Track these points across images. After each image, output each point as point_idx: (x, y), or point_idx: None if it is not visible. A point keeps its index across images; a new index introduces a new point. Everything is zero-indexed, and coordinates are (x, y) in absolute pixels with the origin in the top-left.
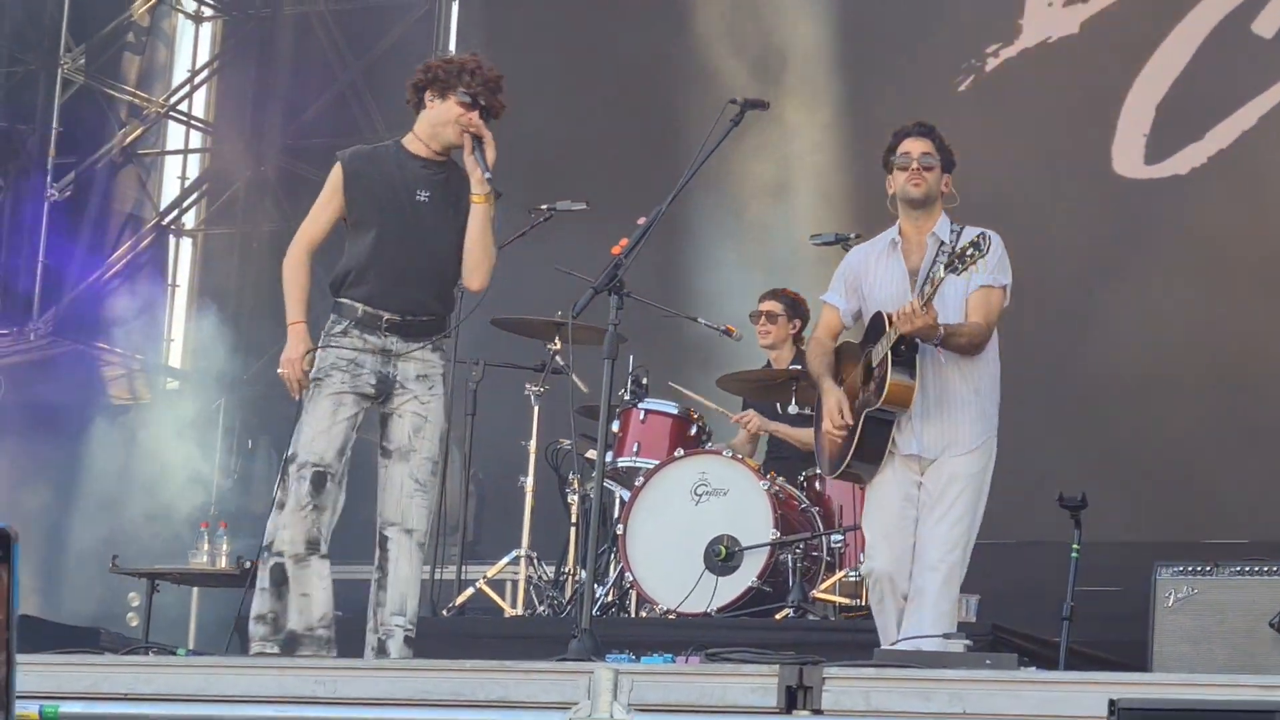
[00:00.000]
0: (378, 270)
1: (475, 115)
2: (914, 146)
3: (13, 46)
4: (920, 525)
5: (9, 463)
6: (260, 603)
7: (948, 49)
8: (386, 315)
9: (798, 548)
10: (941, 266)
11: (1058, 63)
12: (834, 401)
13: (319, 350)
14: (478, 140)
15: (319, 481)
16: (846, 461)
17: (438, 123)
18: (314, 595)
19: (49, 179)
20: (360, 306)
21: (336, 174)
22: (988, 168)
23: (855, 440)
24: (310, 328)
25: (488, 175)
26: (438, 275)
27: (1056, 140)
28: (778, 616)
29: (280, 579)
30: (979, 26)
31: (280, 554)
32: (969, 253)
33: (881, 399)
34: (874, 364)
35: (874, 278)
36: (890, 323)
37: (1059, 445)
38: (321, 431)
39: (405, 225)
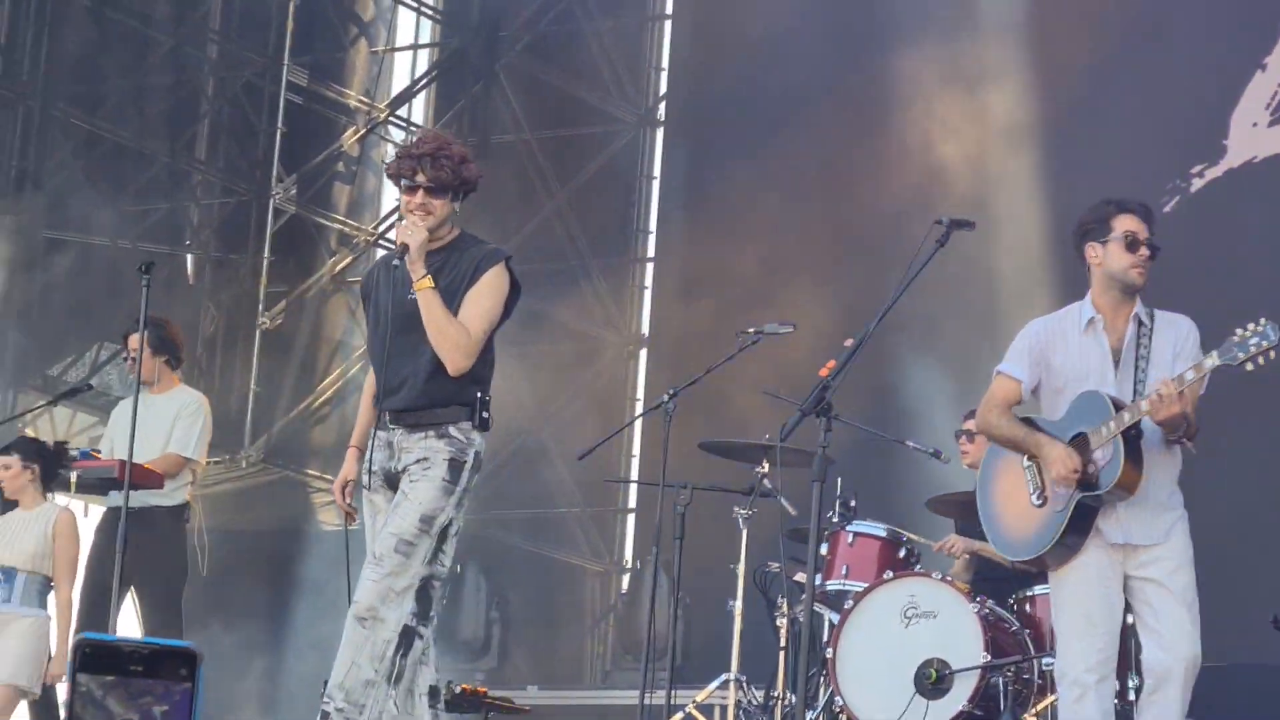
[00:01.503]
0: (378, 371)
1: (415, 198)
2: (1139, 228)
3: (226, 178)
4: (1156, 615)
5: (222, 589)
6: None
7: (1152, 171)
8: (389, 412)
9: (1009, 671)
10: (1216, 353)
11: (1264, 182)
12: (1061, 451)
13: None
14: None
15: None
16: (1049, 547)
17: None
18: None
19: (260, 307)
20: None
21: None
22: (1194, 290)
23: (1064, 524)
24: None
25: (395, 263)
26: (429, 365)
27: (1264, 262)
28: None
29: None
30: (1183, 146)
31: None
32: (1252, 342)
33: (1114, 482)
34: (1093, 446)
35: (1067, 354)
36: (1118, 406)
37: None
38: (369, 539)
39: (396, 324)
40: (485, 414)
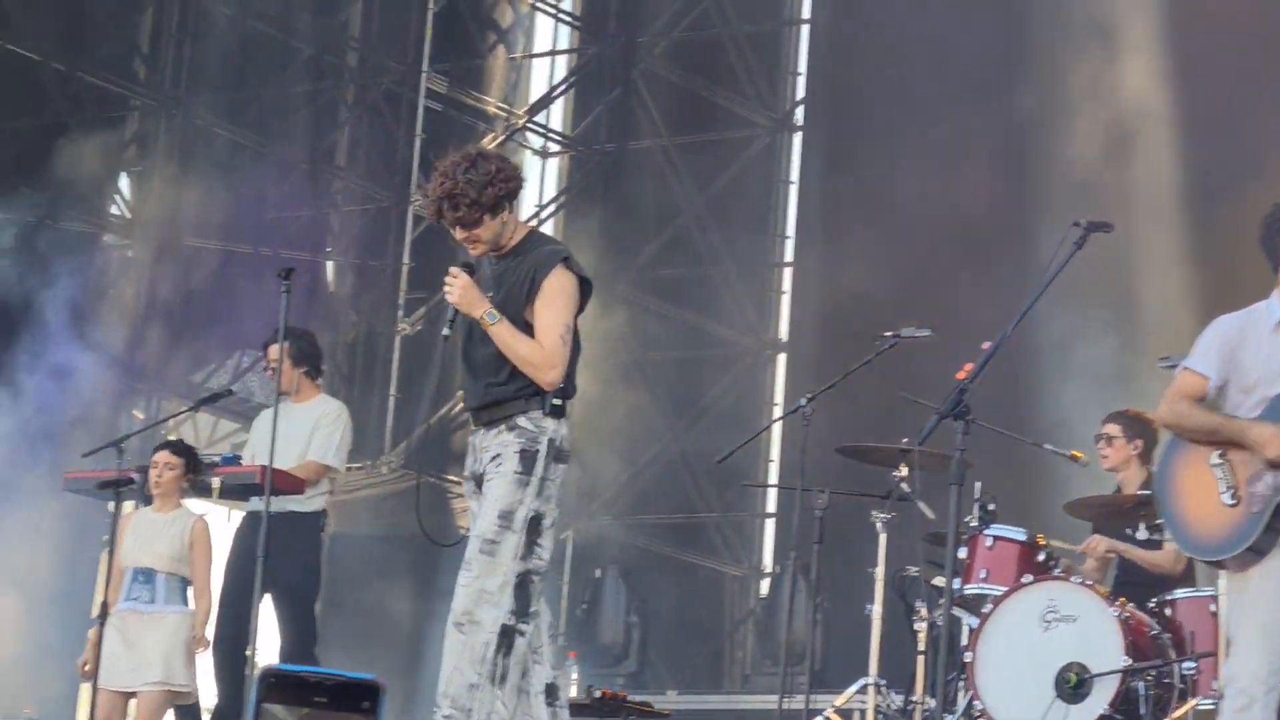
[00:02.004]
0: (462, 379)
1: (457, 234)
2: None
3: (366, 185)
4: None
5: (365, 594)
6: None
7: None
8: (471, 410)
9: (1149, 675)
10: None
11: None
12: (1273, 431)
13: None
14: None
15: None
16: (1247, 545)
17: None
18: None
19: (400, 314)
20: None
21: None
22: None
23: (1265, 523)
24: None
25: (445, 332)
26: (494, 362)
27: None
28: None
29: None
30: None
31: None
32: None
33: None
34: None
35: (1257, 352)
36: None
37: None
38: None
39: (470, 325)
40: (556, 401)
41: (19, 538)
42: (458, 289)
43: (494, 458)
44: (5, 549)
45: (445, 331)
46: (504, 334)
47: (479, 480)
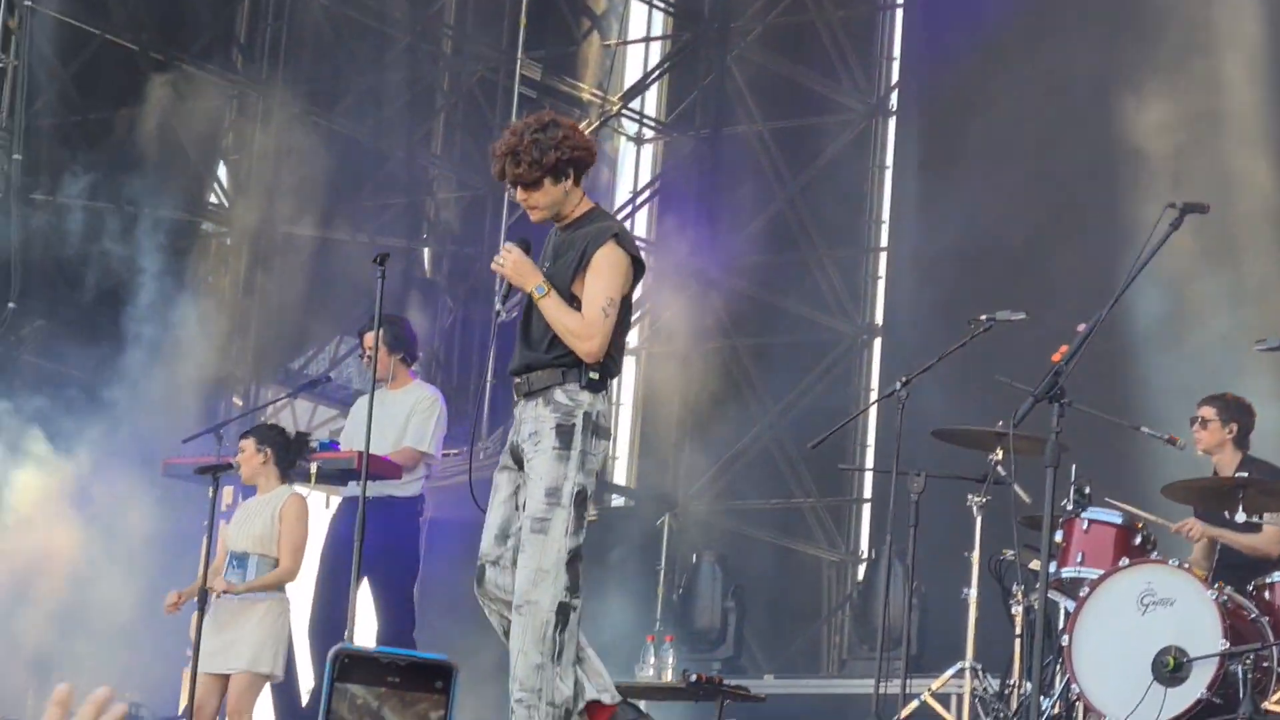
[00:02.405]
0: (516, 346)
1: (518, 194)
2: None
3: (462, 171)
4: None
5: (458, 580)
6: None
7: None
8: (514, 380)
9: (1248, 658)
10: None
11: None
12: None
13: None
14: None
15: (479, 575)
16: None
17: None
18: None
19: (497, 300)
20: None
21: None
22: None
23: None
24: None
25: (499, 297)
26: (543, 334)
27: None
28: None
29: None
30: None
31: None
32: None
33: None
34: None
35: None
36: None
37: None
38: (486, 524)
39: (528, 299)
40: (593, 375)
41: (122, 524)
42: (510, 263)
43: (532, 434)
44: (109, 535)
45: (497, 306)
46: (550, 306)
47: (515, 453)
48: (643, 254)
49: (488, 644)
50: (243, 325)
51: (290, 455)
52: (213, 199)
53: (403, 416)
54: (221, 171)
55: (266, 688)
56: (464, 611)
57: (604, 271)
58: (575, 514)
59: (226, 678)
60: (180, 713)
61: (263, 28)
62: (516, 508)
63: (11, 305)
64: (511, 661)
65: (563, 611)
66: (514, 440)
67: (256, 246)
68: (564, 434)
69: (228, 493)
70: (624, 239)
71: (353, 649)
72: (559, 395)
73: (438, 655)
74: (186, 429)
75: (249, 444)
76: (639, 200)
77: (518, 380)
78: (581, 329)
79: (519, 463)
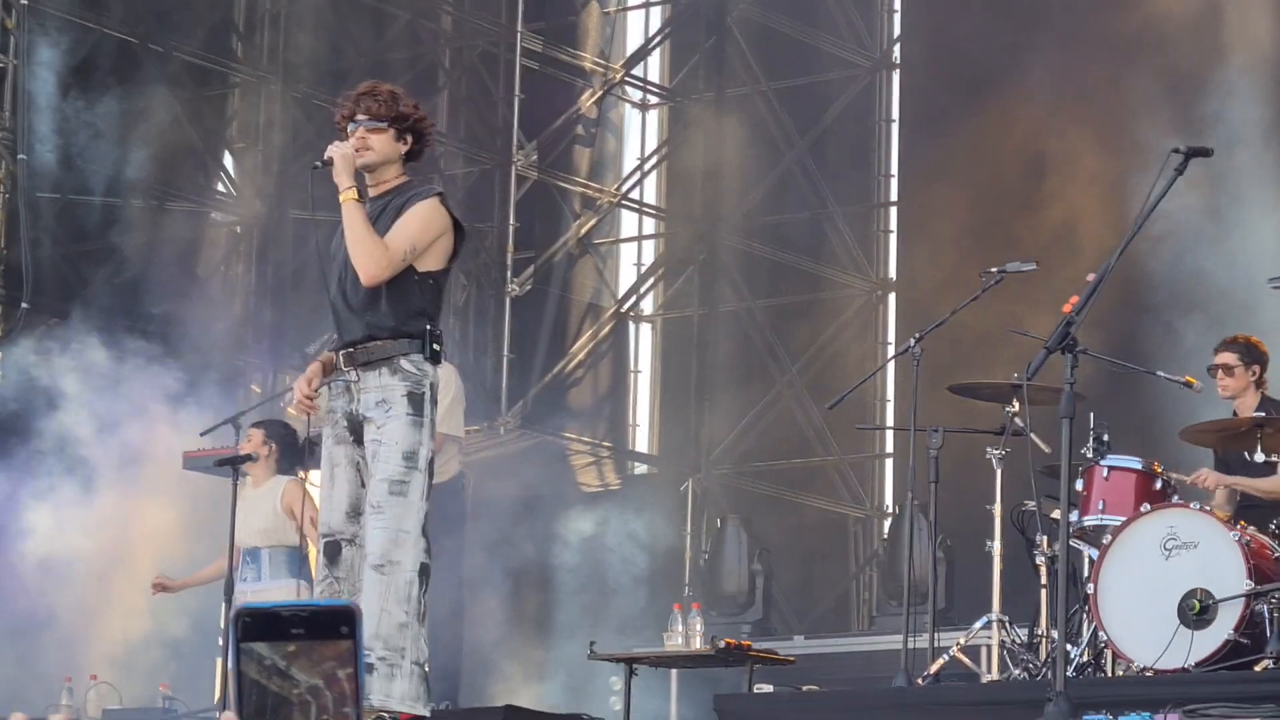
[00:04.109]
0: (334, 317)
1: (355, 135)
2: None
3: (468, 148)
4: None
5: (485, 555)
6: None
7: None
8: (343, 352)
9: (1274, 597)
10: None
11: None
12: None
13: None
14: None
15: (332, 552)
16: None
17: None
18: None
19: (509, 274)
20: (330, 355)
21: None
22: None
23: None
24: None
25: (316, 164)
26: (369, 301)
27: None
28: (1257, 668)
29: None
30: None
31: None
32: None
33: None
34: None
35: None
36: None
37: None
38: (325, 498)
39: (341, 269)
40: (436, 346)
41: (146, 517)
42: (345, 146)
43: (380, 402)
44: (132, 529)
45: (317, 164)
46: (358, 217)
47: (354, 423)
48: (655, 221)
49: (526, 601)
50: (257, 312)
51: (293, 456)
52: (220, 188)
53: None
54: (228, 160)
55: None
56: (498, 580)
57: (416, 218)
58: (428, 480)
59: None
60: (214, 704)
61: (261, 13)
62: (362, 484)
63: (25, 305)
64: (368, 621)
65: (424, 572)
66: (352, 410)
67: (266, 232)
68: (415, 401)
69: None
70: (446, 199)
71: (253, 606)
72: (405, 364)
73: (337, 601)
74: (205, 421)
75: (257, 434)
76: (646, 167)
77: (351, 350)
78: (378, 253)
79: (356, 435)
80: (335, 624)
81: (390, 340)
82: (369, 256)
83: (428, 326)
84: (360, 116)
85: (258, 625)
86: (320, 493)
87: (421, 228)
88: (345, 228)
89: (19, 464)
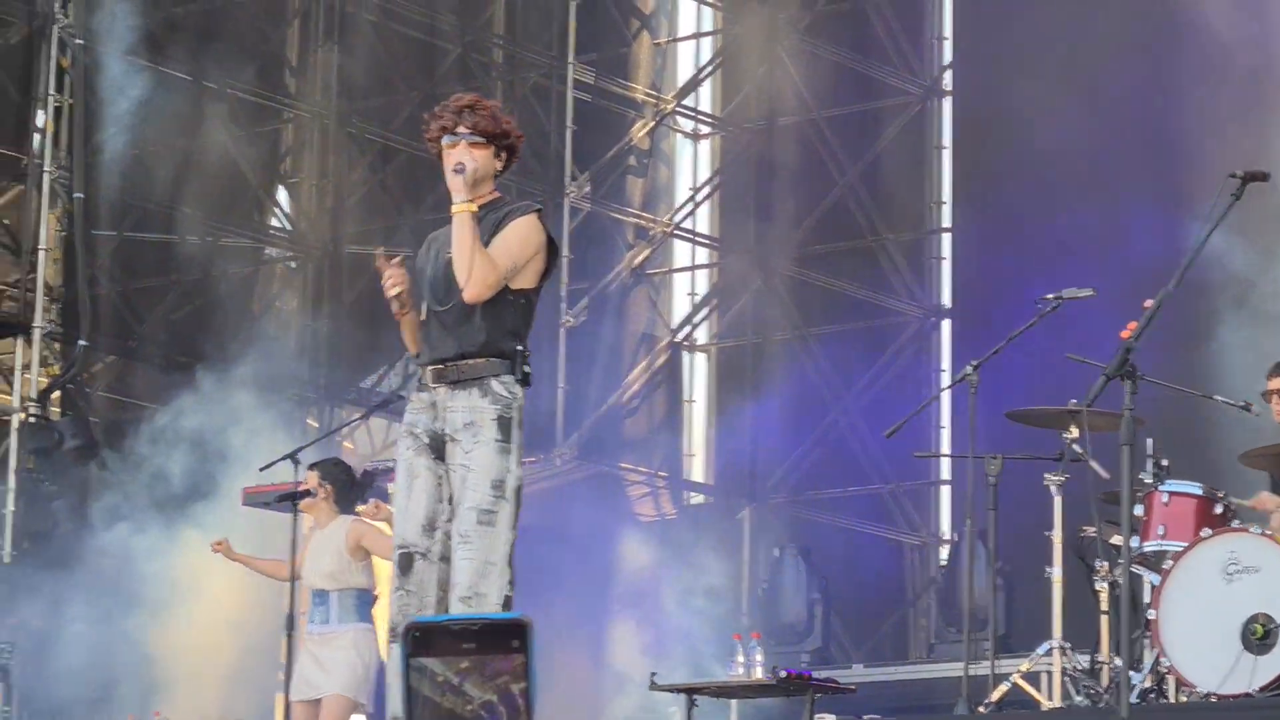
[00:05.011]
0: (424, 331)
1: (456, 150)
2: None
3: (520, 180)
4: None
5: (541, 585)
6: None
7: None
8: (431, 368)
9: None
10: None
11: None
12: None
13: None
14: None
15: (405, 564)
16: None
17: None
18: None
19: (563, 306)
20: (419, 368)
21: None
22: None
23: None
24: None
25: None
26: (463, 318)
27: None
28: None
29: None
30: None
31: (391, 640)
32: None
33: None
34: None
35: None
36: None
37: None
38: (401, 509)
39: (434, 283)
40: (526, 368)
41: (208, 553)
42: (476, 161)
43: (468, 424)
44: (196, 564)
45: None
46: (470, 230)
47: (436, 440)
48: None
49: (582, 631)
50: (312, 347)
51: (352, 494)
52: (274, 223)
53: None
54: (281, 195)
55: None
56: (554, 611)
57: (517, 236)
58: (516, 508)
59: (318, 704)
60: None
61: (313, 49)
62: (441, 499)
63: (83, 343)
64: None
65: (507, 605)
66: (436, 429)
67: (321, 267)
68: (504, 426)
69: (307, 518)
70: (544, 216)
71: (423, 620)
72: (496, 386)
73: (510, 614)
74: (264, 457)
75: (313, 476)
76: (699, 197)
77: (440, 367)
78: (485, 269)
79: (438, 452)
80: (506, 638)
81: (482, 359)
82: (479, 272)
83: (519, 346)
84: (462, 130)
85: (427, 639)
86: (396, 502)
87: (522, 245)
88: (455, 240)
89: (87, 494)
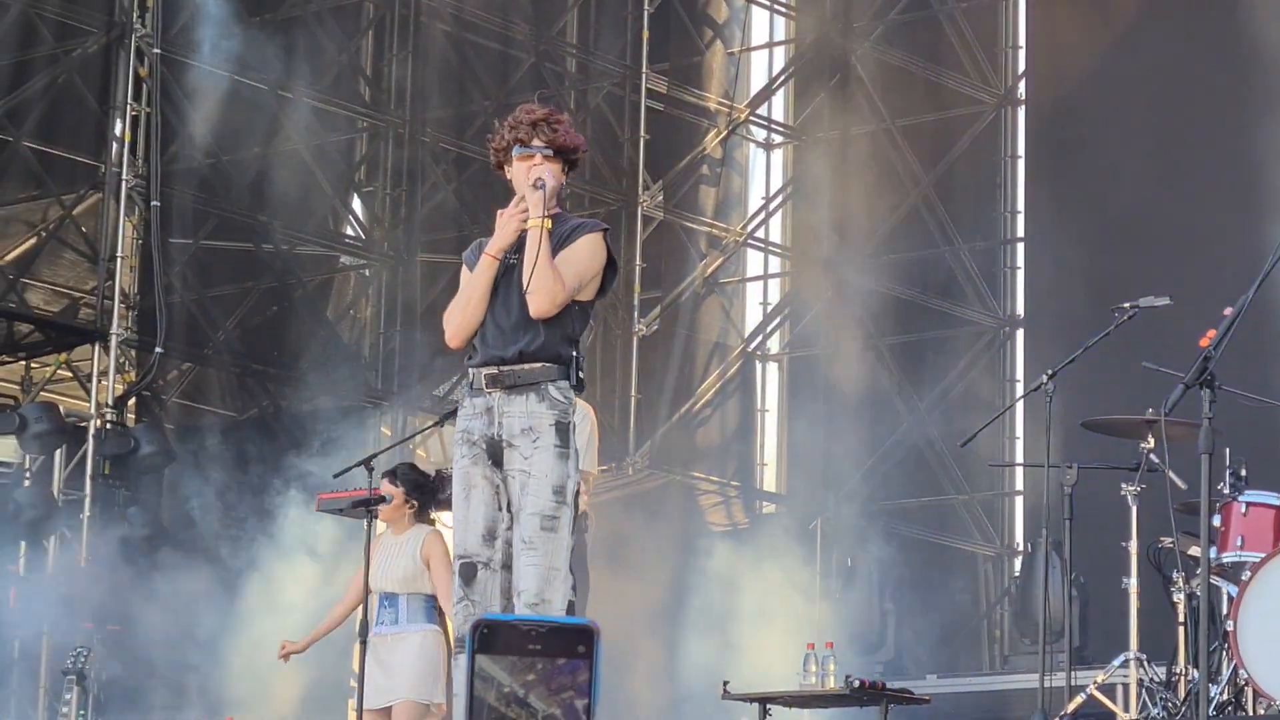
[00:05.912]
0: (480, 334)
1: (533, 162)
2: None
3: (594, 188)
4: None
5: (615, 595)
6: None
7: None
8: (485, 372)
9: None
10: None
11: None
12: None
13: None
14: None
15: (468, 574)
16: None
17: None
18: None
19: (635, 315)
20: (471, 371)
21: None
22: None
23: None
24: None
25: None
26: (524, 324)
27: None
28: None
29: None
30: None
31: (457, 651)
32: None
33: None
34: None
35: None
36: None
37: None
38: (460, 520)
39: (500, 289)
40: (581, 373)
41: (283, 562)
42: (555, 177)
43: (525, 430)
44: (271, 574)
45: (539, 185)
46: (546, 244)
47: (493, 446)
48: (781, 259)
49: (656, 639)
50: (387, 355)
51: (426, 497)
52: (349, 231)
53: None
54: (356, 204)
55: None
56: (622, 624)
57: (584, 253)
58: (575, 513)
59: (388, 712)
60: None
61: (388, 58)
62: (500, 508)
63: (159, 350)
64: None
65: (571, 610)
66: (492, 435)
67: (394, 275)
68: (562, 432)
69: (380, 528)
70: (609, 236)
71: (492, 618)
72: (553, 391)
73: (579, 619)
74: (338, 464)
75: (385, 484)
76: (771, 206)
77: (497, 371)
78: (556, 287)
79: (495, 459)
80: (573, 642)
81: (539, 364)
82: (550, 287)
83: (575, 352)
84: (537, 143)
85: (495, 636)
86: (454, 514)
87: (589, 263)
88: (528, 254)
89: (160, 507)
